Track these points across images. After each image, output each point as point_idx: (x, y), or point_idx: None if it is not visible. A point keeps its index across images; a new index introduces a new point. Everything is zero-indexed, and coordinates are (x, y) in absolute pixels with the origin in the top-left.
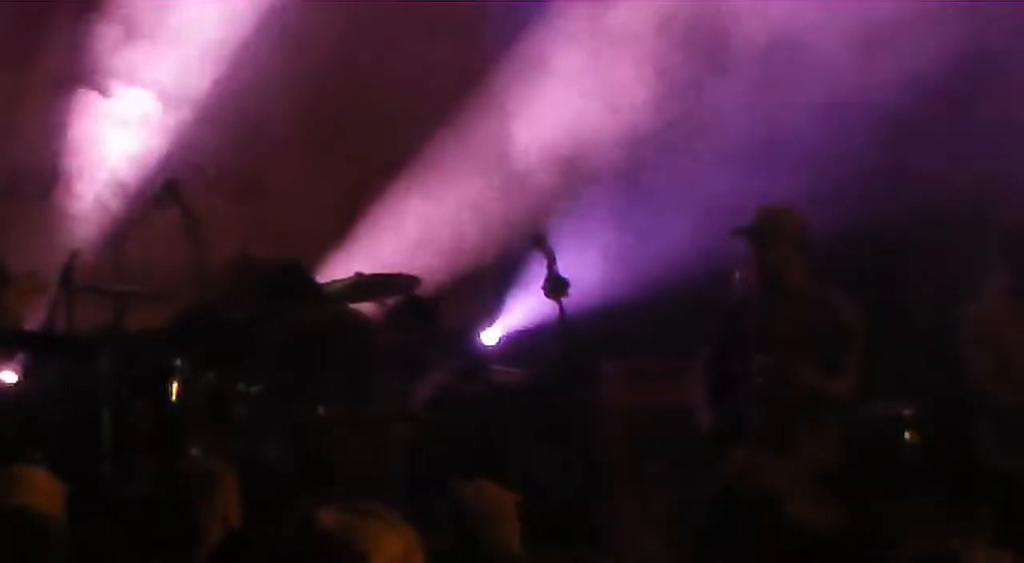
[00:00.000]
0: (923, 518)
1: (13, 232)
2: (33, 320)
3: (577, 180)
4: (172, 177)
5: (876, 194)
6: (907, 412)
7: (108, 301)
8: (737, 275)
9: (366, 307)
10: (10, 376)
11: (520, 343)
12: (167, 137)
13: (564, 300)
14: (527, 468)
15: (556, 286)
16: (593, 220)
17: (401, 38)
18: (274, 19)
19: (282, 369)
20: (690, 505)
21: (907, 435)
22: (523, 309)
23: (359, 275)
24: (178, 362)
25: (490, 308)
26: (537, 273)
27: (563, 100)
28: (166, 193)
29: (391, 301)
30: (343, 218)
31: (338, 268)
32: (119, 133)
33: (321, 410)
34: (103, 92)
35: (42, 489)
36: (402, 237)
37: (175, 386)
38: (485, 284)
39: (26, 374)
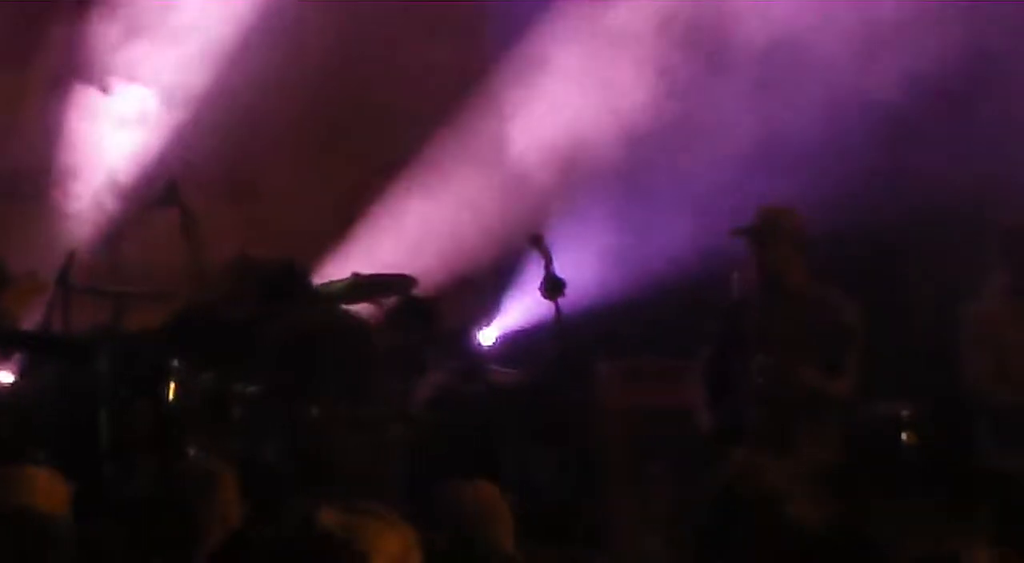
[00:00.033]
0: (923, 518)
1: (11, 232)
2: (31, 320)
3: (575, 180)
4: (171, 177)
5: (876, 194)
6: (906, 412)
7: (106, 301)
8: (737, 275)
9: (364, 308)
10: (7, 377)
11: (518, 343)
12: (165, 137)
13: (561, 300)
14: (525, 468)
15: (553, 286)
16: (591, 220)
17: (401, 38)
18: (273, 19)
19: (280, 369)
20: (689, 505)
21: (906, 435)
22: (521, 309)
23: (356, 276)
24: (176, 362)
25: (488, 308)
26: (535, 273)
27: (562, 100)
28: (165, 193)
29: (389, 301)
30: (342, 218)
31: (336, 268)
32: (117, 133)
33: (320, 410)
34: (101, 92)
35: (45, 489)
36: (400, 237)
37: (173, 386)
38: (483, 284)
39: (23, 374)
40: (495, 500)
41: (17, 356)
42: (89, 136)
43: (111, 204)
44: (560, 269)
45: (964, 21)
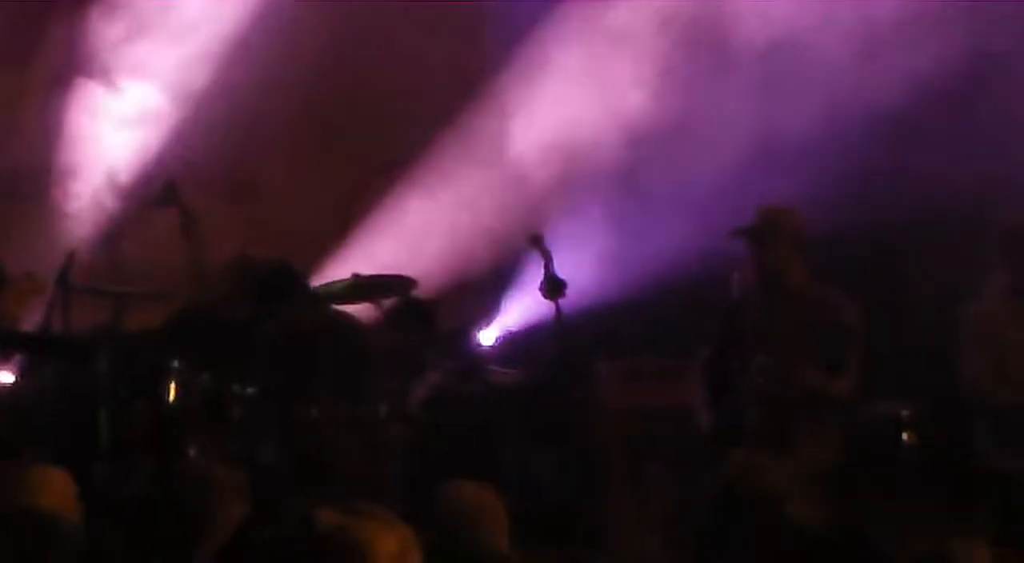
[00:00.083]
0: (923, 518)
1: (11, 232)
2: (30, 321)
3: (575, 180)
4: (170, 177)
5: (876, 194)
6: (906, 412)
7: (106, 301)
8: (737, 275)
9: (364, 308)
10: (7, 377)
11: (517, 343)
12: (165, 136)
13: (561, 300)
14: (524, 468)
15: (553, 287)
16: (591, 220)
17: (400, 38)
18: (272, 18)
19: (278, 370)
20: (689, 505)
21: (906, 435)
22: (520, 309)
23: (356, 276)
24: (176, 362)
25: (487, 309)
26: (535, 273)
27: (562, 100)
28: (164, 193)
29: (389, 302)
30: (341, 218)
31: (336, 268)
32: (117, 132)
33: (318, 411)
34: (100, 91)
35: (59, 491)
36: (400, 238)
37: (173, 386)
38: (482, 285)
39: (23, 375)
40: (488, 500)
41: (17, 356)
42: (89, 135)
43: (111, 203)
44: (560, 269)
45: (964, 21)
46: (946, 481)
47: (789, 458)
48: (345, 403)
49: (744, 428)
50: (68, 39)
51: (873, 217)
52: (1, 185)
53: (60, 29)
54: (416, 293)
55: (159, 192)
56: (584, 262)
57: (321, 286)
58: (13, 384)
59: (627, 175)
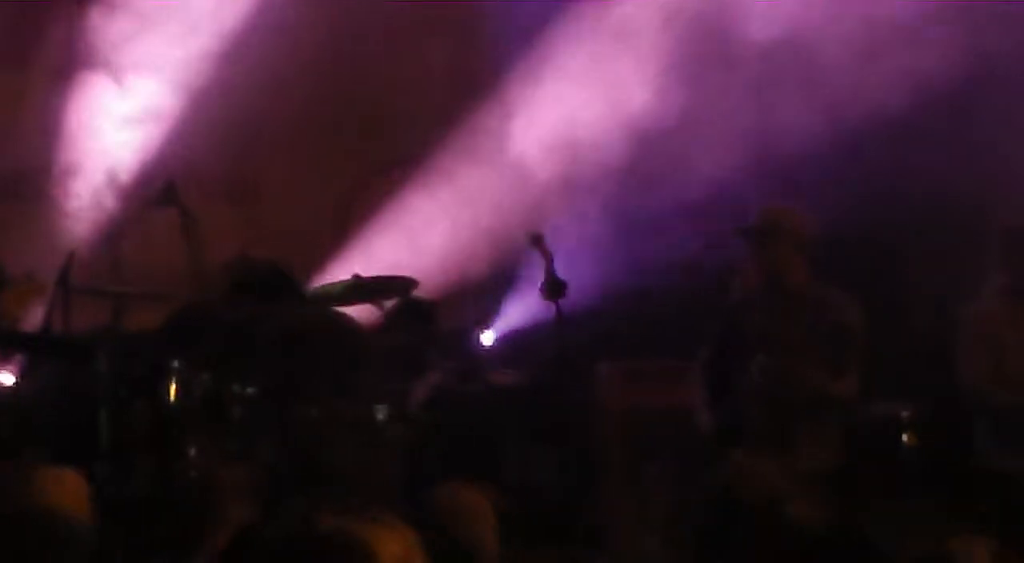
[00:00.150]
0: (923, 518)
1: (11, 232)
2: (30, 321)
3: (576, 180)
4: (169, 177)
5: (876, 194)
6: (906, 413)
7: (106, 301)
8: (737, 275)
9: (364, 308)
10: (7, 377)
11: (517, 343)
12: (165, 135)
13: (561, 300)
14: (524, 468)
15: (554, 287)
16: (591, 220)
17: (400, 37)
18: (273, 17)
19: (278, 370)
20: (689, 505)
21: (906, 436)
22: (520, 309)
23: (357, 277)
24: (176, 362)
25: (488, 309)
26: (535, 274)
27: (563, 99)
28: (163, 193)
29: (389, 302)
30: (342, 218)
31: (336, 269)
32: (117, 131)
33: (318, 411)
34: (101, 89)
35: (68, 490)
36: (400, 237)
37: (173, 386)
38: (483, 284)
39: (23, 375)
40: (473, 501)
41: (17, 356)
42: (89, 134)
43: (110, 203)
44: (560, 269)
45: (965, 21)
46: (946, 481)
47: (789, 458)
48: (345, 403)
49: (744, 428)
50: (68, 37)
51: (873, 217)
52: (1, 185)
53: (60, 27)
54: (416, 293)
55: (159, 192)
56: (584, 262)
57: (322, 286)
58: (13, 384)
59: (628, 174)
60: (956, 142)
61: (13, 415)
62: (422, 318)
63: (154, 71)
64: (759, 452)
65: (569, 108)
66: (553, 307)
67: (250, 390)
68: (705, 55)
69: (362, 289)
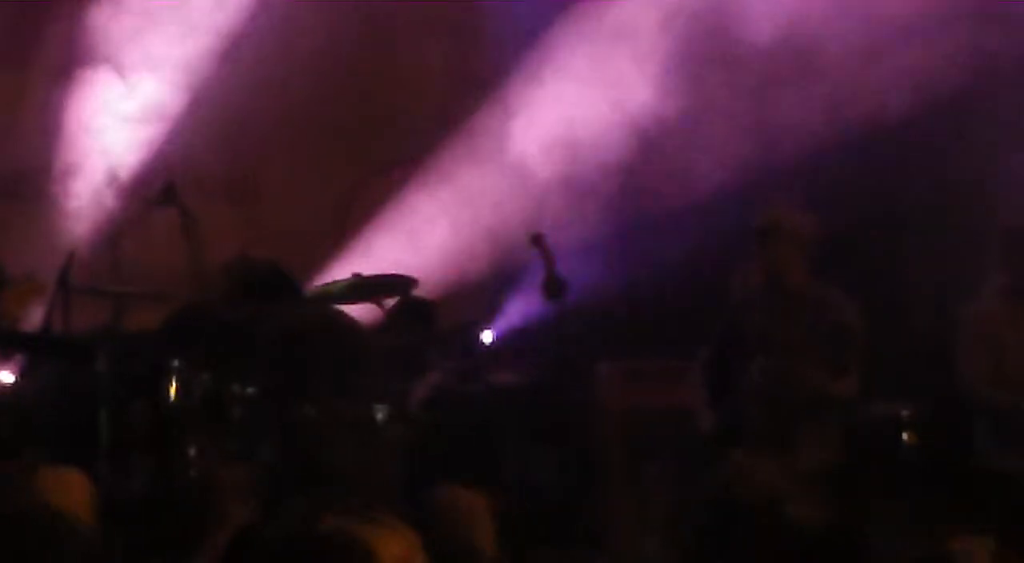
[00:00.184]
0: (923, 518)
1: (11, 232)
2: (30, 321)
3: (577, 180)
4: (169, 177)
5: (876, 194)
6: (906, 412)
7: (106, 301)
8: (737, 275)
9: (364, 308)
10: (7, 377)
11: (517, 343)
12: (165, 135)
13: (561, 300)
14: (524, 468)
15: (554, 287)
16: (591, 220)
17: (400, 37)
18: (272, 17)
19: (277, 370)
20: (689, 506)
21: (906, 435)
22: (520, 309)
23: (357, 276)
24: (176, 363)
25: (488, 308)
26: (535, 273)
27: (563, 99)
28: (163, 194)
29: (389, 302)
30: (342, 218)
31: (336, 269)
32: (117, 130)
33: (318, 411)
34: (100, 90)
35: (72, 490)
36: (400, 237)
37: (173, 386)
38: (483, 284)
39: (23, 375)
40: (467, 502)
41: (17, 356)
42: (89, 134)
43: (110, 203)
44: (560, 269)
45: (965, 22)
46: (946, 481)
47: (789, 458)
48: (345, 403)
49: (744, 428)
50: (68, 37)
51: (873, 217)
52: (1, 185)
53: (60, 27)
54: (416, 293)
55: (159, 192)
56: (584, 262)
57: (322, 286)
58: (13, 384)
59: (628, 174)
60: (956, 142)
61: (13, 415)
62: (422, 318)
63: (154, 71)
64: (759, 452)
65: (569, 108)
66: (553, 306)
67: (250, 390)
68: (705, 55)
69: (362, 288)
